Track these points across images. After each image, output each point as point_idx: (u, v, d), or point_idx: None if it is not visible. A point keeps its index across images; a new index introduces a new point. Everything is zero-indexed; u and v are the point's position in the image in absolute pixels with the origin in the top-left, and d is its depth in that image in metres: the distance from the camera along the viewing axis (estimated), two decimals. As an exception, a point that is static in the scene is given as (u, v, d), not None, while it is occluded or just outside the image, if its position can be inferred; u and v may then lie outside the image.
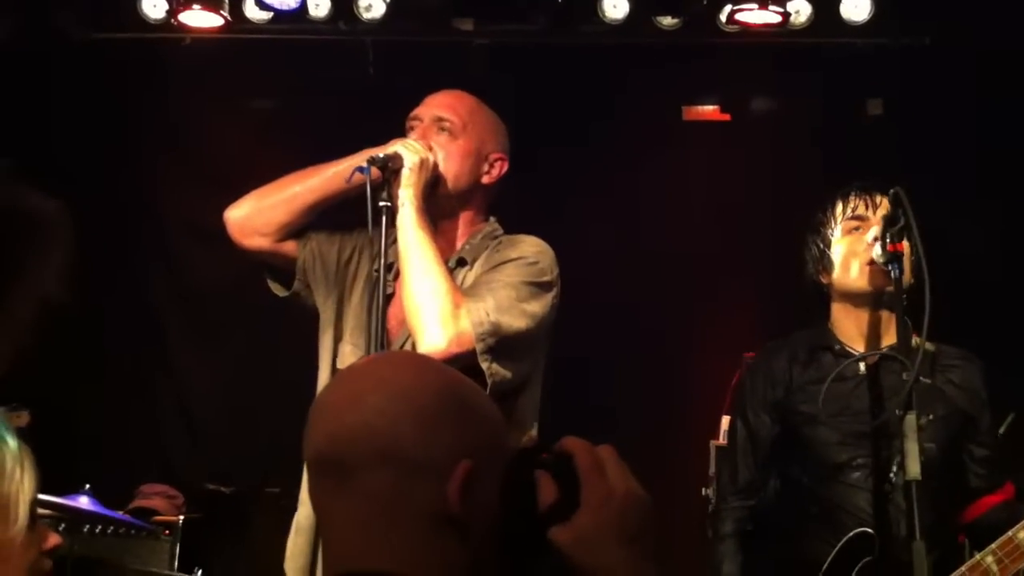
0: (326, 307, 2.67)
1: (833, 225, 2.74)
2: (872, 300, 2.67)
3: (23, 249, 0.94)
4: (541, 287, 2.50)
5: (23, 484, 1.62)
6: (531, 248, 2.55)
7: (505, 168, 2.66)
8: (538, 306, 2.48)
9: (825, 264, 2.75)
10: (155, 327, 5.23)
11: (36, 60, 4.71)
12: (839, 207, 2.75)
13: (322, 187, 2.62)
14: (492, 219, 2.69)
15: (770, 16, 4.43)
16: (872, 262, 2.63)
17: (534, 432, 2.52)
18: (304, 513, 2.59)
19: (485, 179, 2.64)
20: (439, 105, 2.64)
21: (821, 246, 2.75)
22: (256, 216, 2.65)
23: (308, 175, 2.65)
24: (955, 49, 4.58)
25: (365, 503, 1.19)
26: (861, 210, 2.72)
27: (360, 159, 2.51)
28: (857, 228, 2.71)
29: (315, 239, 2.68)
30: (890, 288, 2.57)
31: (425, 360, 1.42)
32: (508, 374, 2.41)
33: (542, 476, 1.21)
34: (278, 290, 2.76)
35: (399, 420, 1.19)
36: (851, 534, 2.56)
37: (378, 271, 2.44)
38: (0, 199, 0.93)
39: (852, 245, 2.70)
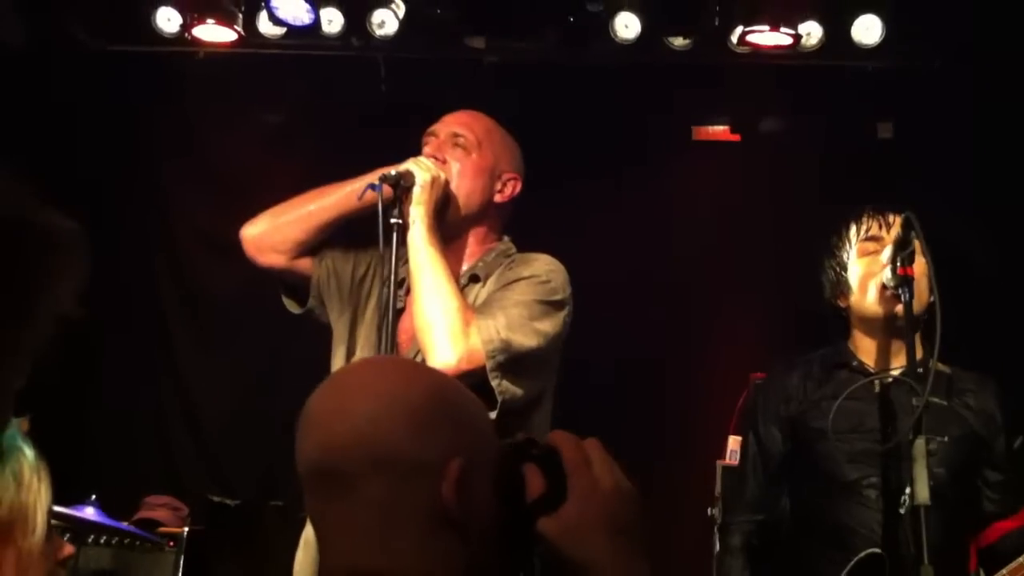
0: (339, 323, 2.68)
1: (848, 248, 2.73)
2: (891, 323, 2.65)
3: (42, 268, 0.97)
4: (553, 305, 2.51)
5: (40, 494, 1.64)
6: (544, 266, 2.56)
7: (518, 188, 2.68)
8: (549, 324, 2.48)
9: (842, 288, 2.74)
10: (163, 337, 5.24)
11: (50, 71, 4.73)
12: (852, 229, 2.74)
13: (338, 205, 2.64)
14: (506, 238, 2.70)
15: (781, 38, 4.44)
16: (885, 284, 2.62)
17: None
18: (311, 530, 2.59)
19: (498, 197, 2.65)
20: (455, 122, 2.66)
21: (837, 269, 2.75)
22: (272, 233, 2.66)
23: (324, 193, 2.66)
24: (965, 73, 4.59)
25: (362, 510, 1.19)
26: (875, 231, 2.70)
27: (375, 177, 2.52)
28: (873, 251, 2.69)
29: (330, 256, 2.70)
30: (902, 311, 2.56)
31: (409, 363, 1.43)
32: (518, 391, 2.41)
33: (530, 469, 1.23)
34: (292, 307, 2.77)
35: (391, 426, 1.20)
36: (862, 554, 2.55)
37: (388, 287, 2.45)
38: (18, 218, 0.96)
39: (868, 267, 2.68)
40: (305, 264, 2.69)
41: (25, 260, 0.95)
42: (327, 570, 1.23)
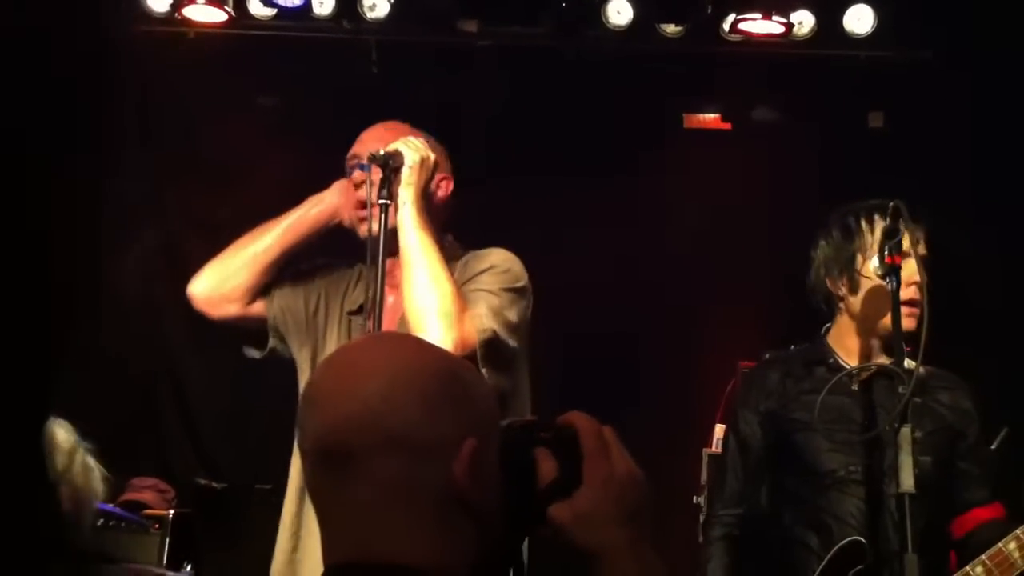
0: (301, 356, 2.71)
1: (870, 247, 2.66)
2: (888, 333, 2.64)
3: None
4: (518, 292, 2.54)
5: None
6: (499, 257, 2.58)
7: (451, 187, 2.67)
8: (518, 312, 2.51)
9: (851, 278, 2.71)
10: (155, 321, 5.22)
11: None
12: (879, 230, 2.62)
13: (280, 242, 2.67)
14: (449, 237, 2.69)
15: (773, 27, 4.44)
16: (908, 303, 2.56)
17: None
18: (289, 510, 2.60)
19: (434, 200, 2.63)
20: (374, 140, 2.64)
21: (849, 260, 2.69)
22: (221, 285, 2.68)
23: (262, 232, 2.69)
24: (956, 63, 4.59)
25: (371, 491, 1.16)
26: (905, 244, 2.53)
27: (307, 207, 2.62)
28: (897, 263, 2.54)
29: (278, 294, 2.71)
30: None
31: (415, 340, 1.40)
32: (503, 380, 2.42)
33: (541, 453, 1.21)
34: (254, 353, 2.77)
35: (403, 404, 1.17)
36: (843, 542, 2.57)
37: (377, 275, 2.44)
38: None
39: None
40: (258, 308, 2.71)
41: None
42: (333, 552, 1.20)
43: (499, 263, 2.55)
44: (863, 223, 2.70)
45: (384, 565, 1.16)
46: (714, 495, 2.89)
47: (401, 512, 1.16)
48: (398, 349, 1.26)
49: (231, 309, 2.68)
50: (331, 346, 2.65)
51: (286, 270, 2.71)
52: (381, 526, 1.17)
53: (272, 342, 2.72)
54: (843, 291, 2.73)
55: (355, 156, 2.65)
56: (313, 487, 1.23)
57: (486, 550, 1.20)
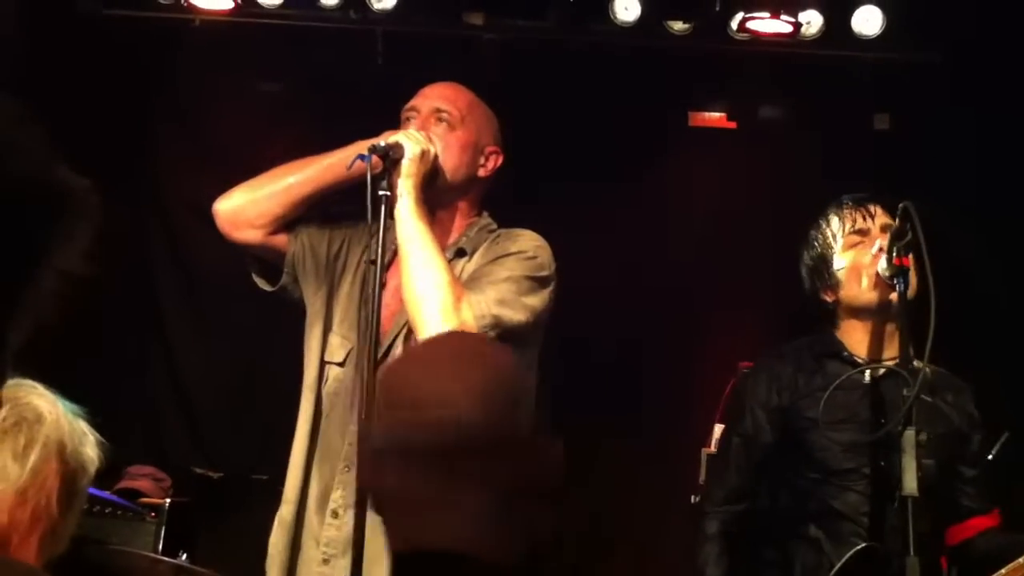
0: (315, 300, 2.66)
1: (834, 242, 2.73)
2: (882, 312, 2.66)
3: (53, 226, 0.97)
4: (540, 282, 2.52)
5: None
6: (530, 243, 2.57)
7: (500, 161, 2.66)
8: (537, 300, 2.50)
9: (830, 282, 2.73)
10: (154, 308, 5.21)
11: (43, 33, 4.67)
12: (836, 223, 2.74)
13: (317, 179, 2.61)
14: (485, 213, 2.69)
15: (781, 26, 4.43)
16: (880, 273, 2.62)
17: None
18: (288, 509, 2.59)
19: (481, 172, 2.64)
20: (437, 96, 2.64)
21: (822, 264, 2.74)
22: (248, 208, 2.62)
23: (302, 166, 2.63)
24: (964, 66, 4.57)
25: (465, 484, 1.23)
26: (860, 223, 2.72)
27: (355, 150, 2.50)
28: (860, 242, 2.70)
29: (306, 232, 2.66)
30: (896, 299, 2.56)
31: (488, 343, 1.59)
32: None
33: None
34: (264, 285, 2.73)
35: (510, 408, 1.27)
36: (860, 546, 2.54)
37: (374, 262, 2.43)
38: (29, 174, 0.96)
39: (857, 259, 2.69)
40: (280, 240, 2.65)
41: (37, 218, 0.95)
42: (396, 539, 1.27)
43: (528, 248, 2.54)
44: (822, 224, 2.76)
45: (452, 554, 1.22)
46: (713, 489, 2.84)
47: (474, 502, 1.23)
48: (494, 352, 1.37)
49: (253, 235, 2.63)
50: (345, 290, 2.63)
51: (316, 209, 2.66)
52: (454, 516, 1.23)
53: (285, 279, 2.67)
54: (831, 297, 2.74)
55: (413, 108, 2.63)
56: (391, 479, 1.27)
57: (542, 535, 1.27)
